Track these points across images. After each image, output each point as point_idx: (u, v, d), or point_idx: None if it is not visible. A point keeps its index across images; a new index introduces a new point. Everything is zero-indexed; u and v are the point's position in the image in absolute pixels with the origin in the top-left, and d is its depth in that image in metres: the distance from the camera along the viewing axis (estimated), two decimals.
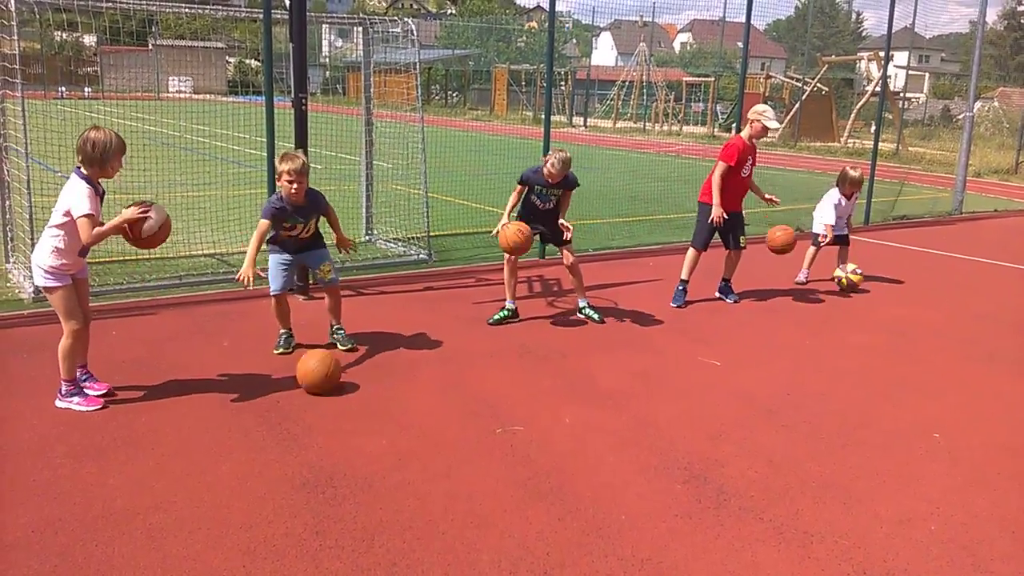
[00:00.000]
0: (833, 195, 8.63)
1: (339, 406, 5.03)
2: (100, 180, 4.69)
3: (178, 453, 4.30)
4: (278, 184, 5.67)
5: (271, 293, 5.86)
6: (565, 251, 6.90)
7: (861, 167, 8.92)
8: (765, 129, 7.34)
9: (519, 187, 6.80)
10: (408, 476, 4.16)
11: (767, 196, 7.74)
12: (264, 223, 5.63)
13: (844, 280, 8.40)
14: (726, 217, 7.33)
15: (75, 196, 4.52)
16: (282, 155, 5.65)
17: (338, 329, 6.10)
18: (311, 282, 7.12)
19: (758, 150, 7.72)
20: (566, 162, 6.58)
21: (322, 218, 5.91)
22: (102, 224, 4.64)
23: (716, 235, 7.61)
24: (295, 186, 5.54)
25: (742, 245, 7.68)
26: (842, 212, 8.64)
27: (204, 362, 5.64)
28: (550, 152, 6.67)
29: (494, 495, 4.01)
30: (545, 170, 6.59)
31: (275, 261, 5.83)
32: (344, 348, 5.98)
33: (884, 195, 15.64)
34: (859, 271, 8.45)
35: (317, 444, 4.48)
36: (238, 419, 4.76)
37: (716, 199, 7.32)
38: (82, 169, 4.60)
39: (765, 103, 11.56)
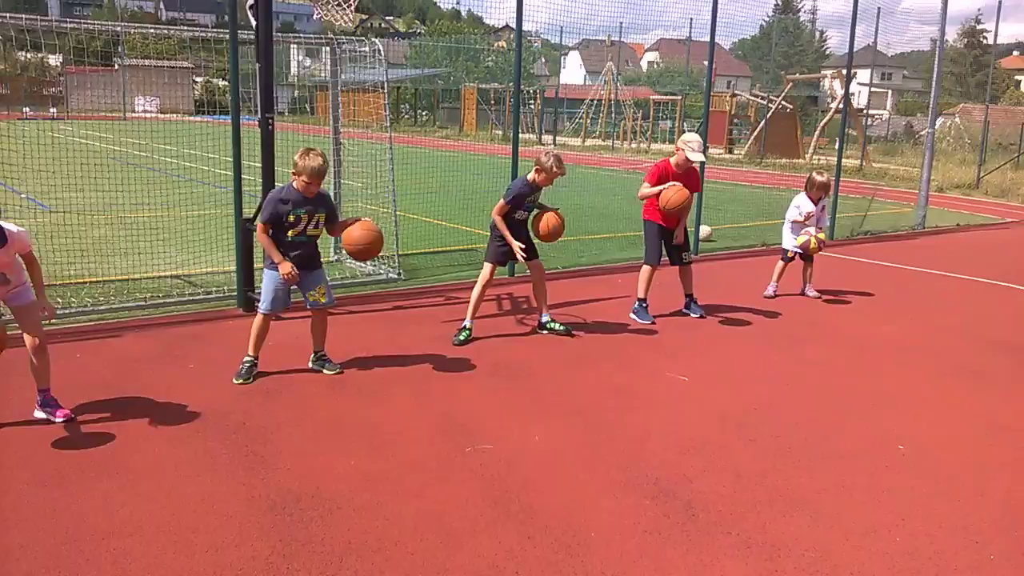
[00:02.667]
0: (800, 199, 8.85)
1: (307, 427, 5.00)
2: None
3: (144, 476, 4.25)
4: (292, 178, 5.57)
5: (261, 311, 5.75)
6: (534, 265, 6.94)
7: (827, 173, 9.09)
8: (687, 160, 7.40)
9: (503, 204, 6.75)
10: (377, 496, 4.14)
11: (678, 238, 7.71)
12: (261, 226, 5.58)
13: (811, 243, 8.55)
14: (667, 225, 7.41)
15: None
16: (303, 151, 5.54)
17: (322, 355, 5.97)
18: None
19: (726, 168, 7.80)
20: (560, 158, 6.71)
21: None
22: None
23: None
24: (312, 186, 5.53)
25: (686, 260, 7.78)
26: (808, 218, 8.78)
27: (170, 384, 5.58)
28: (543, 155, 6.69)
29: (464, 514, 4.00)
30: (551, 172, 6.63)
31: (272, 279, 5.67)
32: (331, 373, 5.87)
33: (849, 210, 15.85)
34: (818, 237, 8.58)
35: (284, 465, 4.45)
36: (204, 441, 4.71)
37: (653, 191, 7.37)
38: None
39: (731, 125, 11.60)
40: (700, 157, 7.46)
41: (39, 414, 4.90)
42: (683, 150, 7.38)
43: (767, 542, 3.85)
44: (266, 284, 5.72)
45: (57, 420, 4.86)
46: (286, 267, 5.49)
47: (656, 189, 7.35)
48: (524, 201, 6.79)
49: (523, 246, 6.68)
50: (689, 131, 38.34)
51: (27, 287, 4.84)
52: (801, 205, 8.78)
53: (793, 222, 8.81)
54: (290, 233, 5.63)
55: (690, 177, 7.60)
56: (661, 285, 7.76)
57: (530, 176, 6.75)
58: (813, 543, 3.86)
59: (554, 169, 6.63)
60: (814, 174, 8.88)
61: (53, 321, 6.65)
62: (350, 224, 5.73)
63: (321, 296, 5.80)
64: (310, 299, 5.82)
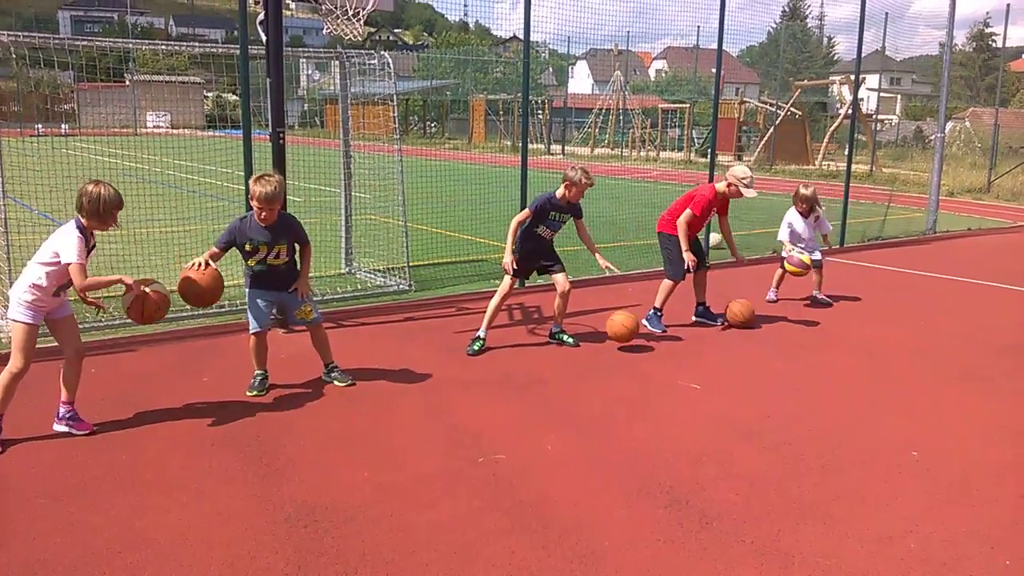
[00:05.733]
0: (790, 214, 8.91)
1: (320, 439, 5.02)
2: (94, 232, 4.85)
3: (159, 490, 4.28)
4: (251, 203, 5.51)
5: (251, 332, 5.76)
6: (562, 277, 6.95)
7: (814, 184, 9.15)
8: (739, 194, 7.50)
9: (527, 212, 6.81)
10: (390, 508, 4.16)
11: (735, 254, 8.01)
12: (214, 250, 5.49)
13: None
14: (695, 263, 7.51)
15: (66, 244, 4.67)
16: (256, 176, 5.48)
17: (333, 367, 6.00)
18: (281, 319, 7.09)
19: None
20: (588, 169, 6.77)
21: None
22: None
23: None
24: (263, 213, 5.46)
25: (706, 265, 7.86)
26: (801, 230, 8.77)
27: (184, 398, 5.62)
28: (570, 169, 6.78)
29: (477, 525, 4.02)
30: (580, 186, 6.71)
31: (254, 299, 5.72)
32: (343, 384, 5.91)
33: (859, 216, 15.80)
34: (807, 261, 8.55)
35: (298, 478, 4.47)
36: (219, 454, 4.74)
37: (684, 245, 7.46)
38: (81, 219, 4.75)
39: (740, 132, 11.59)
40: (753, 194, 7.54)
41: (59, 427, 4.94)
42: (736, 187, 7.46)
43: (781, 550, 3.85)
44: (250, 305, 5.75)
45: (78, 434, 4.92)
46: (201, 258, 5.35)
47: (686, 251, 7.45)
48: (547, 215, 6.82)
49: (514, 264, 6.71)
50: (697, 140, 38.18)
51: (66, 299, 4.98)
52: (793, 223, 8.79)
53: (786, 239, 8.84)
54: (250, 261, 5.65)
55: (723, 203, 7.76)
56: (674, 294, 7.75)
57: (559, 192, 6.79)
58: (827, 550, 3.86)
59: (583, 181, 6.70)
60: (800, 187, 8.96)
61: None
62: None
63: (308, 314, 5.80)
64: (297, 317, 5.83)
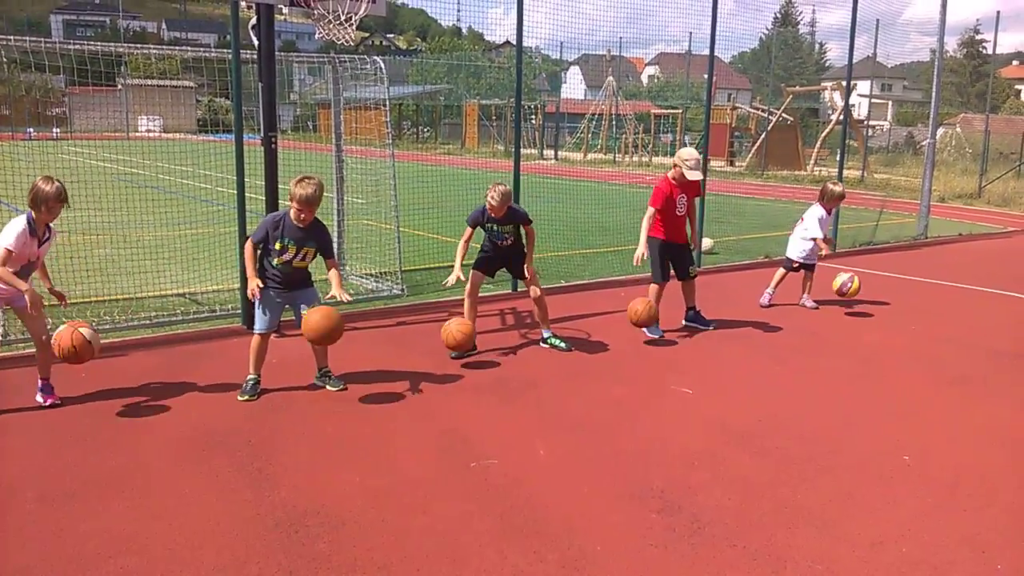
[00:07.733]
0: (817, 211, 8.80)
1: (312, 444, 5.00)
2: (49, 226, 5.33)
3: (149, 495, 4.26)
4: (288, 204, 5.65)
5: (256, 331, 5.79)
6: (529, 283, 7.00)
7: (842, 184, 9.10)
8: (683, 177, 7.40)
9: (468, 230, 6.97)
10: (382, 513, 4.15)
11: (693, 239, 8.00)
12: (249, 243, 5.73)
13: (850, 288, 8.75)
14: (646, 256, 7.45)
15: (7, 230, 5.12)
16: (297, 179, 5.59)
17: (326, 372, 6.01)
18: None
19: (728, 180, 7.81)
20: (506, 194, 6.77)
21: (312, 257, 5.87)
22: (38, 263, 5.40)
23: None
24: (303, 214, 5.58)
25: (692, 275, 7.82)
26: (822, 228, 8.76)
27: (174, 403, 5.60)
28: (490, 187, 6.77)
29: (470, 530, 4.01)
30: (487, 205, 6.79)
31: (266, 298, 5.72)
32: (334, 389, 5.91)
33: (851, 221, 15.85)
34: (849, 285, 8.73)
35: (290, 483, 4.46)
36: (210, 459, 4.72)
37: (642, 239, 7.41)
38: (31, 212, 5.19)
39: (732, 137, 11.55)
40: (697, 175, 7.47)
41: (39, 398, 5.35)
42: (680, 167, 7.41)
43: (773, 554, 3.85)
44: (261, 304, 5.76)
45: (45, 405, 5.32)
46: (252, 284, 5.60)
47: (642, 244, 7.39)
48: (484, 226, 6.95)
49: (458, 274, 6.82)
50: (690, 145, 38.41)
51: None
52: (820, 219, 8.72)
53: (808, 239, 8.77)
54: (276, 260, 5.71)
55: (692, 186, 7.64)
56: (665, 298, 7.76)
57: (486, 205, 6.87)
58: (819, 555, 3.86)
59: (491, 203, 6.72)
60: (830, 184, 8.89)
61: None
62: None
63: None
64: (304, 317, 5.80)
